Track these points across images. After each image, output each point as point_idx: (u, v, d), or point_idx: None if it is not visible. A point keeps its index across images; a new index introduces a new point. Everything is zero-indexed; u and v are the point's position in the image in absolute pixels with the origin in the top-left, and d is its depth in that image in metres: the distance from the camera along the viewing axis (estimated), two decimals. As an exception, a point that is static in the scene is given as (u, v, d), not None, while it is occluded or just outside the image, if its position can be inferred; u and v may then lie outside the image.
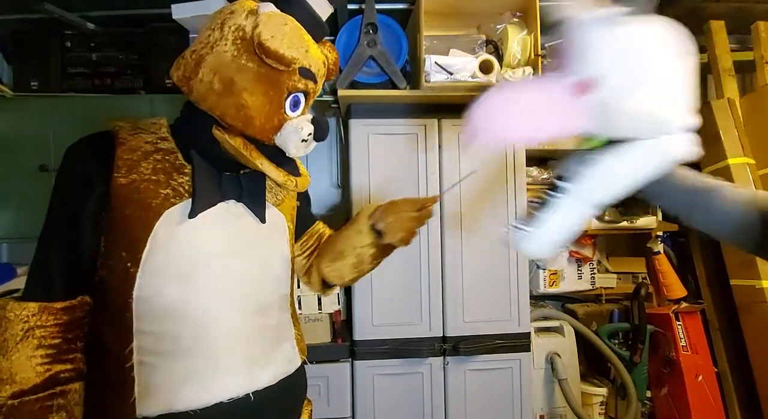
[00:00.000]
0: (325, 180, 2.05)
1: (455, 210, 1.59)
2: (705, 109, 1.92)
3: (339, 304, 1.63)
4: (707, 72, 2.14)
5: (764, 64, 1.88)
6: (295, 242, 1.01)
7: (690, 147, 0.68)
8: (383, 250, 0.98)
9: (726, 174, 1.80)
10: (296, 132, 0.77)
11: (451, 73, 1.48)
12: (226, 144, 0.76)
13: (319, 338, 1.58)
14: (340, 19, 1.66)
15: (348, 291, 1.63)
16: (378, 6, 1.56)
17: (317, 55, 0.81)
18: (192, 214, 0.76)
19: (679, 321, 1.91)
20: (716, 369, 1.92)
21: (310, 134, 0.79)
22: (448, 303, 1.58)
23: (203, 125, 0.77)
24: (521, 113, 0.69)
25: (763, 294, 1.71)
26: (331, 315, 1.61)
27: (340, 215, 1.97)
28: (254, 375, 0.81)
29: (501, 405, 1.58)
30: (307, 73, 0.78)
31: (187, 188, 0.78)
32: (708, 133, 1.86)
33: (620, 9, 0.64)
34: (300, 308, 1.58)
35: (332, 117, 1.97)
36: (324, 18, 0.83)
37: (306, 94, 0.81)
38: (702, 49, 2.04)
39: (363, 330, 1.55)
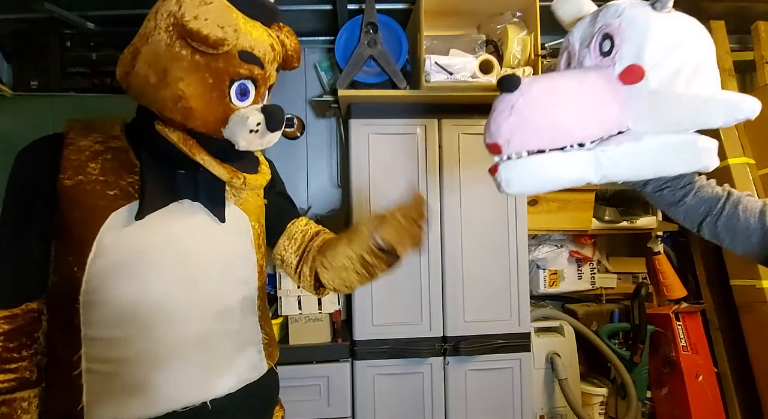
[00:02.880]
0: (325, 180, 2.05)
1: (455, 210, 1.59)
2: (705, 109, 1.92)
3: (339, 304, 1.63)
4: (707, 72, 2.14)
5: (764, 64, 1.88)
6: (275, 241, 0.96)
7: (715, 157, 0.67)
8: (395, 264, 0.89)
9: (726, 174, 1.79)
10: (242, 122, 0.70)
11: (451, 73, 1.48)
12: (168, 139, 0.71)
13: (319, 338, 1.58)
14: (340, 19, 1.66)
15: (348, 291, 1.62)
16: (378, 6, 1.55)
17: (260, 37, 0.73)
18: (139, 215, 0.72)
19: (679, 321, 1.91)
20: (716, 369, 1.92)
21: (260, 123, 0.71)
22: (448, 303, 1.58)
23: (150, 122, 0.73)
24: (564, 107, 0.63)
25: (763, 294, 1.71)
26: (331, 314, 1.60)
27: (340, 215, 1.97)
28: (212, 383, 0.77)
29: (501, 405, 1.58)
30: (248, 57, 0.71)
31: (136, 188, 0.74)
32: (708, 133, 1.86)
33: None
34: (300, 308, 1.57)
35: (332, 117, 1.97)
36: None
37: (254, 81, 0.74)
38: (702, 49, 2.04)
39: (363, 330, 1.55)
